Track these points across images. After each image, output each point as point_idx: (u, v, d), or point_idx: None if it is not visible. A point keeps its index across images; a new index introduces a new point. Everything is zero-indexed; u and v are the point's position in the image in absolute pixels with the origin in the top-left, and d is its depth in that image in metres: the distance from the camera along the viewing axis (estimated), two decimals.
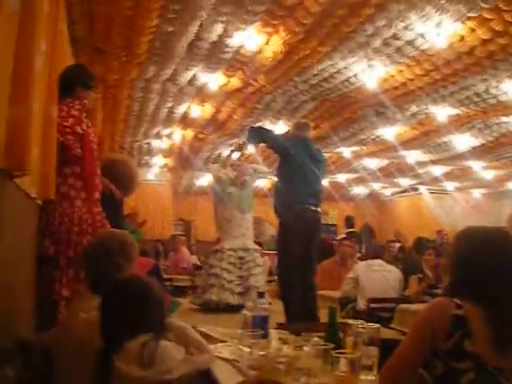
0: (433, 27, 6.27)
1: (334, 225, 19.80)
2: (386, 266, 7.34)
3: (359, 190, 19.01)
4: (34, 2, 2.68)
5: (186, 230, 18.23)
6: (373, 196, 19.55)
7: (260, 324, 3.04)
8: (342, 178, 16.69)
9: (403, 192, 18.81)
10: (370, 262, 7.34)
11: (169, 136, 12.45)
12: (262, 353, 2.59)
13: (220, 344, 3.21)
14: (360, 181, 17.24)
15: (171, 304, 5.44)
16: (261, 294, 3.38)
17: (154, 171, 16.62)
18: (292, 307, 5.96)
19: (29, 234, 3.86)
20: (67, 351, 2.74)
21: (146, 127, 11.51)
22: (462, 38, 6.61)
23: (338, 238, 11.95)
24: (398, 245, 13.13)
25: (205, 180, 16.63)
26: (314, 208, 6.13)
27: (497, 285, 2.30)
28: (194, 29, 6.45)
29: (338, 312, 6.96)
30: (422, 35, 6.50)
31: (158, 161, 15.40)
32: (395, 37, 6.52)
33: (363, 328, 2.57)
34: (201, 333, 3.38)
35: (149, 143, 13.24)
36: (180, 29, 6.45)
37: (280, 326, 4.53)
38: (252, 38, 6.85)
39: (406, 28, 6.30)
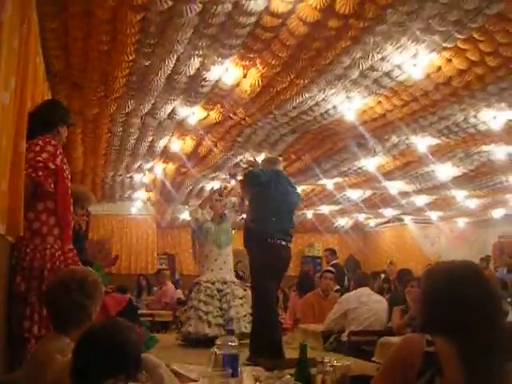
0: (409, 58, 6.30)
1: (319, 257, 19.73)
2: (373, 295, 7.30)
3: (343, 222, 18.96)
4: None
5: (170, 264, 18.10)
6: (357, 227, 19.51)
7: (230, 362, 2.98)
8: (325, 209, 16.65)
9: (387, 222, 18.79)
10: (358, 292, 7.28)
11: (150, 170, 12.41)
12: None
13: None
14: (344, 212, 17.21)
15: (148, 340, 5.34)
16: (230, 331, 3.31)
17: (137, 205, 16.53)
18: (259, 342, 5.93)
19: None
20: None
21: (127, 161, 11.44)
22: (439, 69, 6.66)
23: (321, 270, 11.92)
24: (382, 276, 13.06)
25: (187, 214, 16.56)
26: (284, 243, 6.16)
27: (467, 317, 2.25)
28: (171, 63, 6.43)
29: (320, 345, 6.97)
30: (398, 66, 6.53)
31: (141, 195, 15.31)
32: (372, 68, 6.54)
33: (331, 366, 2.51)
34: (173, 371, 3.32)
35: (131, 177, 13.17)
36: (157, 63, 6.44)
37: (253, 362, 4.47)
38: (229, 72, 6.86)
39: (382, 59, 6.31)
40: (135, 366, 2.45)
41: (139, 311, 10.36)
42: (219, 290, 8.00)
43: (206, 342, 7.13)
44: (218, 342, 3.27)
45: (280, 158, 7.06)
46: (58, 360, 2.65)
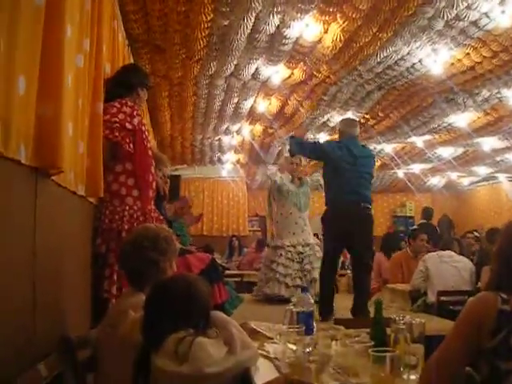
0: (497, 5, 5.99)
1: (411, 217, 19.46)
2: (456, 257, 7.13)
3: (435, 181, 18.54)
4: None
5: (262, 226, 18.24)
6: (450, 186, 19.04)
7: (305, 320, 2.97)
8: (416, 168, 16.33)
9: (481, 181, 18.24)
10: (440, 253, 7.14)
11: (238, 132, 12.46)
12: (301, 350, 2.51)
13: (267, 342, 3.15)
14: (435, 171, 16.82)
15: (234, 299, 5.40)
16: (304, 289, 3.29)
17: (227, 168, 16.69)
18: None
19: (83, 232, 3.89)
20: (112, 347, 2.74)
21: (214, 124, 11.52)
22: None
23: (411, 229, 11.75)
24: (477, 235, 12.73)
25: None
26: (354, 204, 6.21)
27: None
28: (250, 21, 6.37)
29: (408, 306, 6.90)
30: (486, 14, 6.19)
31: (230, 157, 15.42)
32: (458, 17, 6.24)
33: (404, 324, 2.44)
34: (250, 329, 3.34)
35: (219, 140, 13.27)
36: (236, 22, 6.39)
37: (336, 321, 4.46)
38: (310, 28, 6.73)
39: (468, 7, 6.01)
40: (204, 319, 2.47)
41: (228, 271, 10.59)
42: (300, 253, 8.03)
43: (280, 301, 7.27)
44: (293, 299, 3.26)
45: (356, 122, 7.12)
46: (131, 315, 2.70)
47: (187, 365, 2.27)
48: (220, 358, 2.35)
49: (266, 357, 2.81)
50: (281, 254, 7.98)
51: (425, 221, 12.69)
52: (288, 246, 8.00)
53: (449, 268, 6.95)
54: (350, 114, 10.46)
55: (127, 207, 4.07)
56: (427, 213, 13.04)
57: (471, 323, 2.19)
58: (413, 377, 2.25)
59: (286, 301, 6.83)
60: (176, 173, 14.72)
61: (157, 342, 2.35)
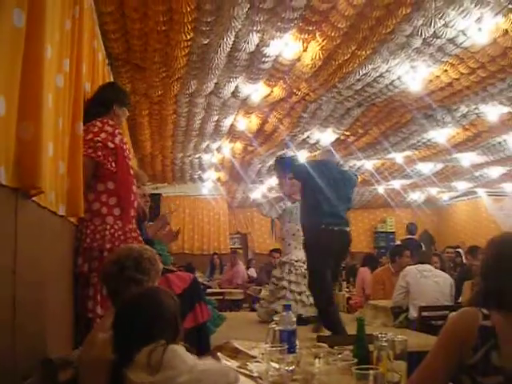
0: (473, 22, 6.05)
1: (392, 232, 19.57)
2: (436, 271, 7.17)
3: (415, 196, 18.67)
4: (41, 19, 2.66)
5: (243, 243, 18.25)
6: (430, 201, 19.17)
7: (288, 338, 2.96)
8: (396, 184, 16.43)
9: (460, 196, 18.36)
10: (419, 267, 7.17)
11: (218, 150, 12.47)
12: (284, 368, 2.51)
13: (249, 361, 3.14)
14: (415, 186, 16.93)
15: (216, 318, 5.38)
16: (287, 307, 3.28)
17: (208, 186, 16.69)
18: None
19: (64, 252, 3.86)
20: (87, 370, 2.72)
21: (194, 142, 11.54)
22: (506, 32, 6.36)
23: (395, 245, 11.80)
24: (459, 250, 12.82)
25: (258, 193, 16.62)
26: (337, 229, 6.30)
27: None
28: (229, 40, 6.40)
29: (390, 322, 6.90)
30: (463, 32, 6.26)
31: (211, 175, 15.41)
32: (436, 35, 6.31)
33: (386, 341, 2.45)
34: (233, 348, 3.33)
35: (199, 158, 13.29)
36: (216, 41, 6.41)
37: (319, 338, 4.45)
38: (289, 46, 6.77)
39: (445, 25, 6.07)
40: (173, 331, 2.47)
41: (210, 290, 10.56)
42: None
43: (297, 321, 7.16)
44: (275, 318, 3.26)
45: (330, 149, 7.61)
46: (100, 337, 2.68)
47: (160, 374, 2.26)
48: (194, 364, 2.34)
49: (249, 376, 2.79)
50: (290, 270, 7.85)
51: (410, 236, 12.77)
52: (297, 262, 7.82)
53: (429, 283, 6.99)
54: (329, 131, 10.53)
55: (108, 226, 4.05)
56: (411, 228, 13.13)
57: (453, 339, 2.21)
58: None
59: (304, 321, 6.82)
60: (156, 191, 14.71)
61: (128, 358, 2.34)
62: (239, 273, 13.03)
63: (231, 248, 17.49)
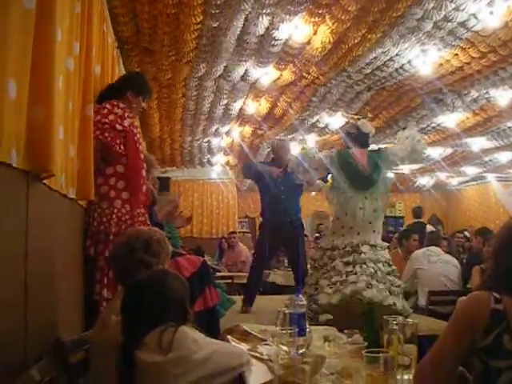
0: (485, 6, 6.00)
1: (401, 217, 19.51)
2: (443, 256, 7.16)
3: (424, 181, 18.61)
4: (51, 1, 2.65)
5: (251, 227, 18.23)
6: (439, 186, 19.11)
7: (297, 321, 2.96)
8: (405, 168, 16.36)
9: (470, 181, 18.30)
10: (427, 251, 7.16)
11: (227, 133, 12.45)
12: (295, 352, 2.52)
13: (259, 344, 3.14)
14: (424, 171, 16.87)
15: (225, 302, 5.40)
16: (298, 291, 3.28)
17: (217, 170, 16.67)
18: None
19: (74, 235, 3.89)
20: (99, 352, 2.74)
21: (203, 125, 11.51)
22: None
23: (403, 229, 11.76)
24: (466, 234, 12.78)
25: None
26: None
27: None
28: (239, 23, 6.38)
29: None
30: (474, 15, 6.20)
31: (220, 159, 15.39)
32: (446, 18, 6.25)
33: (397, 324, 2.45)
34: (242, 331, 3.34)
35: (208, 141, 13.26)
36: (225, 24, 6.38)
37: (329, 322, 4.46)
38: (299, 29, 6.73)
39: (456, 9, 6.02)
40: (181, 313, 2.48)
41: (219, 274, 10.57)
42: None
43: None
44: (285, 301, 3.26)
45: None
46: (113, 320, 2.70)
47: (172, 354, 2.27)
48: (205, 343, 2.36)
49: (260, 358, 2.80)
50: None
51: (417, 220, 12.73)
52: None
53: (436, 268, 6.98)
54: (339, 115, 10.49)
55: (115, 210, 4.07)
56: (416, 212, 13.10)
57: (464, 322, 2.21)
58: (406, 377, 2.26)
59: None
60: (166, 175, 14.71)
61: (137, 339, 2.35)
62: (241, 252, 13.00)
63: (239, 232, 17.47)
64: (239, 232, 17.04)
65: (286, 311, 3.10)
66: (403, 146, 6.60)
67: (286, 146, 7.92)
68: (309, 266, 7.16)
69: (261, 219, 7.96)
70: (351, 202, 6.33)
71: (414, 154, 6.57)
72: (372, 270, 5.92)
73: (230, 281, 9.81)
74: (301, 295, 3.22)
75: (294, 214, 7.59)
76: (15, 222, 2.47)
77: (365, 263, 5.98)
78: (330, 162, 6.43)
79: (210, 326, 4.38)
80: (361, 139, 6.53)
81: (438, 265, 7.00)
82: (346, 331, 2.99)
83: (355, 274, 5.89)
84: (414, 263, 7.08)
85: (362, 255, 6.05)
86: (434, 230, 10.71)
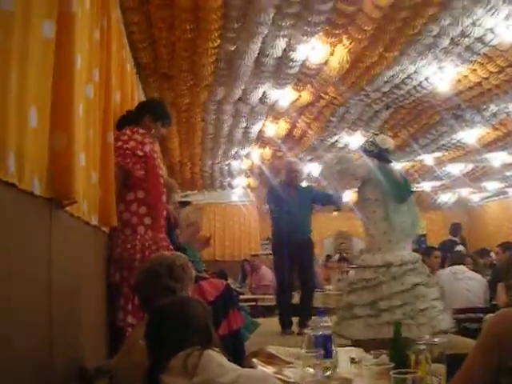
0: (502, 20, 5.98)
1: (424, 235, 19.35)
2: (468, 272, 7.07)
3: (446, 198, 18.49)
4: (70, 30, 2.67)
5: None
6: (460, 203, 18.97)
7: (323, 343, 2.92)
8: (427, 186, 16.28)
9: (491, 196, 18.13)
10: (452, 268, 7.09)
11: (247, 156, 12.48)
12: (321, 374, 2.49)
13: (285, 366, 3.11)
14: (445, 188, 16.78)
15: (250, 325, 5.37)
16: (321, 312, 3.24)
17: (238, 192, 16.68)
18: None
19: (97, 262, 3.89)
20: (124, 377, 2.72)
21: (223, 149, 11.57)
22: None
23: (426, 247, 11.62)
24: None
25: None
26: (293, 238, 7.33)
27: None
28: (256, 46, 6.42)
29: None
30: (491, 30, 6.19)
31: (241, 181, 15.43)
32: (463, 34, 6.25)
33: (425, 344, 2.41)
34: (268, 353, 3.30)
35: (229, 164, 13.30)
36: (242, 47, 6.43)
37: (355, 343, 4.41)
38: (316, 50, 6.77)
39: (473, 24, 6.01)
40: (205, 338, 2.46)
41: (243, 296, 10.52)
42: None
43: None
44: (311, 323, 3.23)
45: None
46: (140, 345, 2.69)
47: (198, 377, 2.25)
48: (231, 368, 2.33)
49: (286, 382, 2.77)
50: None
51: (451, 237, 12.48)
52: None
53: (463, 285, 6.90)
54: (358, 134, 10.47)
55: (139, 236, 4.06)
56: (453, 229, 12.79)
57: (492, 340, 2.17)
58: None
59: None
60: (186, 199, 14.72)
61: (162, 364, 2.33)
62: (264, 275, 12.94)
63: (262, 254, 17.39)
64: (263, 254, 16.99)
65: (312, 333, 3.06)
66: None
67: (296, 167, 8.00)
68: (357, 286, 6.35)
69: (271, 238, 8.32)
70: (398, 215, 6.10)
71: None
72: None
73: (254, 303, 9.77)
74: (325, 317, 3.18)
75: (306, 232, 7.66)
76: (39, 249, 2.47)
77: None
78: (368, 171, 6.30)
79: (235, 349, 4.35)
80: (382, 156, 6.45)
81: (464, 282, 6.92)
82: (372, 352, 2.94)
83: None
84: (440, 281, 6.98)
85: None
86: (461, 249, 10.54)
